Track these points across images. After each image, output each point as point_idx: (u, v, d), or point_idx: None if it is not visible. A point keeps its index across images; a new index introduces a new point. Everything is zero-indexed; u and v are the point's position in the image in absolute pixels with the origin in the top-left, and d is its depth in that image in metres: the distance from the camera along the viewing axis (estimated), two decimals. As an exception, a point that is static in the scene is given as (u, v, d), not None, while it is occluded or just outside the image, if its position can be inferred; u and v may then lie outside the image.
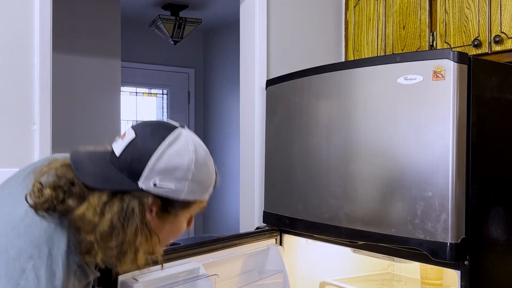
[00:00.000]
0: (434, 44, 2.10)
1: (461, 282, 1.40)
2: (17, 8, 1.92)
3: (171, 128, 1.02)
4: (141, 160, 0.97)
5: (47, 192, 0.98)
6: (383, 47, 2.34)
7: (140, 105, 4.48)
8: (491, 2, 1.90)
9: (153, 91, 4.58)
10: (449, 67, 1.42)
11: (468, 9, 1.98)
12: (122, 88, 3.72)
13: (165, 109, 4.61)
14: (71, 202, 0.97)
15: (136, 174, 0.97)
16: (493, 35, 1.88)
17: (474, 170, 1.44)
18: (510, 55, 1.84)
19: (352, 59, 2.50)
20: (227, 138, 4.09)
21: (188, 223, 1.10)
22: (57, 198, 0.97)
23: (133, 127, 1.03)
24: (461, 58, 1.42)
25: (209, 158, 1.05)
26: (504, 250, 1.54)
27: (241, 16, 2.62)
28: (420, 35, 2.16)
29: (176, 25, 3.77)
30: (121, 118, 3.57)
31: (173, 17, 3.77)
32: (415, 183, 1.47)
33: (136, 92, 4.59)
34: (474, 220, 1.44)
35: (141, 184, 0.97)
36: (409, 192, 1.48)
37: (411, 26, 2.21)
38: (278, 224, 1.96)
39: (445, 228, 1.39)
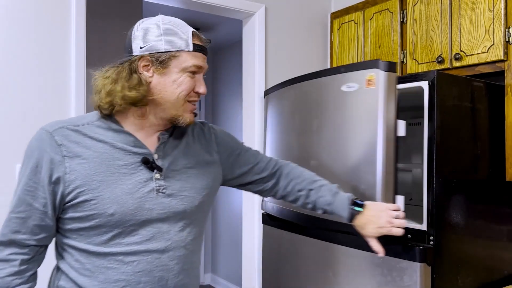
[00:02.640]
0: (405, 60, 2.11)
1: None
2: (56, 29, 1.93)
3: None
4: (128, 38, 1.10)
5: None
6: (362, 63, 2.34)
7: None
8: (452, 26, 1.90)
9: (170, 100, 4.59)
10: (380, 75, 1.42)
11: (433, 31, 1.98)
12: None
13: (180, 115, 4.62)
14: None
15: (130, 49, 1.09)
16: (453, 53, 1.88)
17: (438, 165, 1.45)
18: (468, 70, 1.84)
19: (336, 73, 2.51)
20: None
21: (197, 83, 1.12)
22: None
23: None
24: (390, 67, 1.42)
25: (177, 20, 1.11)
26: (463, 232, 1.55)
27: (243, 38, 2.62)
28: (393, 53, 2.17)
29: (189, 45, 3.77)
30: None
31: (187, 38, 3.77)
32: (354, 174, 1.49)
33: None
34: (438, 207, 1.45)
35: (134, 52, 1.08)
36: (350, 182, 1.51)
37: (386, 46, 2.21)
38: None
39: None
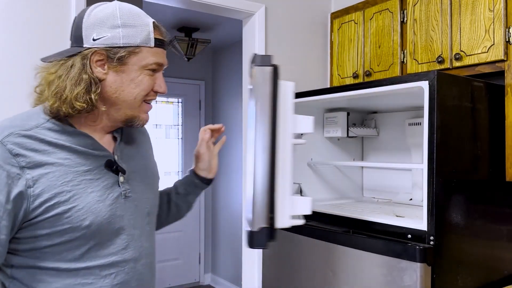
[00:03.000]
0: (405, 60, 2.10)
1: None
2: (56, 29, 1.92)
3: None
4: (78, 26, 0.96)
5: (37, 90, 1.03)
6: (362, 63, 2.34)
7: (159, 111, 4.48)
8: (452, 26, 1.90)
9: (170, 99, 4.57)
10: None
11: (433, 31, 1.98)
12: (144, 97, 3.70)
13: (180, 115, 4.60)
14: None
15: (79, 39, 0.96)
16: (454, 53, 1.88)
17: (438, 165, 1.44)
18: (468, 70, 1.84)
19: (337, 73, 2.50)
20: (231, 139, 4.08)
21: (157, 82, 1.02)
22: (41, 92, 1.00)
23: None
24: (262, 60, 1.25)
25: (136, 8, 0.99)
26: (463, 232, 1.54)
27: (243, 38, 2.62)
28: (393, 53, 2.16)
29: (189, 45, 3.77)
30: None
31: (187, 38, 3.77)
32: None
33: (156, 101, 4.56)
34: (438, 207, 1.45)
35: (85, 44, 0.95)
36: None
37: (386, 46, 2.21)
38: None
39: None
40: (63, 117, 0.96)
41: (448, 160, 1.49)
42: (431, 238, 1.44)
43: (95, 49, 0.94)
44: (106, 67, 0.96)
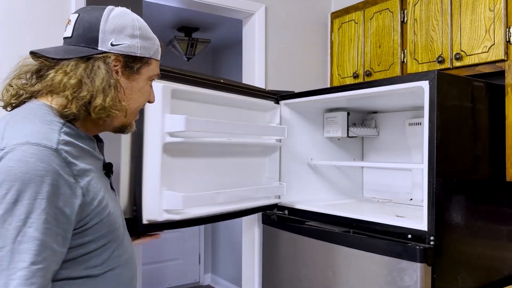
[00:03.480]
0: (405, 60, 2.10)
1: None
2: (56, 29, 1.92)
3: (118, 4, 1.01)
4: (93, 27, 0.94)
5: (14, 83, 0.95)
6: (362, 63, 2.34)
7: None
8: (452, 25, 1.90)
9: (170, 99, 4.59)
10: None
11: (433, 31, 1.98)
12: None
13: (180, 115, 4.62)
14: (38, 85, 0.94)
15: (93, 41, 0.94)
16: (454, 53, 1.88)
17: (438, 165, 1.44)
18: (468, 70, 1.84)
19: (337, 73, 2.50)
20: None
21: (151, 92, 1.06)
22: (25, 85, 0.94)
23: (72, 13, 0.99)
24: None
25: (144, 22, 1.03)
26: (463, 232, 1.54)
27: (243, 38, 2.62)
28: (393, 53, 2.16)
29: (189, 45, 3.76)
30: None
31: (187, 38, 3.77)
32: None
33: (156, 101, 4.53)
34: (438, 207, 1.45)
35: (101, 47, 0.94)
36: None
37: (386, 45, 2.21)
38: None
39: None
40: (72, 120, 0.93)
41: (448, 160, 1.49)
42: (431, 238, 1.43)
43: (115, 54, 0.95)
44: (120, 73, 0.97)
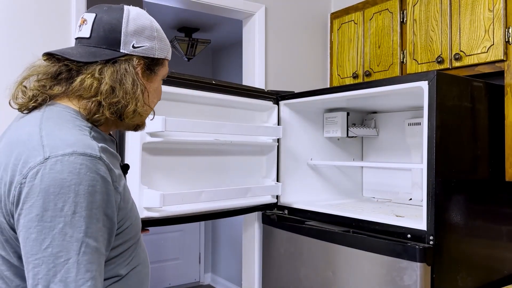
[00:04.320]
0: (404, 60, 2.11)
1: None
2: (56, 29, 1.92)
3: (117, 4, 0.99)
4: (114, 29, 0.93)
5: (32, 86, 0.92)
6: (361, 63, 2.34)
7: (159, 111, 4.49)
8: (452, 26, 1.90)
9: (170, 100, 4.58)
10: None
11: (433, 31, 1.98)
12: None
13: (180, 115, 4.61)
14: (58, 88, 0.91)
15: (115, 43, 0.93)
16: (453, 53, 1.88)
17: (438, 165, 1.44)
18: (467, 70, 1.84)
19: (337, 73, 2.50)
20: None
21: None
22: (43, 87, 0.91)
23: (86, 12, 0.97)
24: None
25: None
26: (463, 231, 1.54)
27: (243, 38, 2.62)
28: (392, 53, 2.16)
29: (189, 45, 3.76)
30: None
31: (187, 38, 3.77)
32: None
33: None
34: (438, 207, 1.45)
35: (123, 50, 0.93)
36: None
37: (385, 46, 2.21)
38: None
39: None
40: (97, 123, 0.93)
41: (448, 160, 1.49)
42: (431, 238, 1.44)
43: (137, 56, 0.95)
44: (140, 75, 0.96)
